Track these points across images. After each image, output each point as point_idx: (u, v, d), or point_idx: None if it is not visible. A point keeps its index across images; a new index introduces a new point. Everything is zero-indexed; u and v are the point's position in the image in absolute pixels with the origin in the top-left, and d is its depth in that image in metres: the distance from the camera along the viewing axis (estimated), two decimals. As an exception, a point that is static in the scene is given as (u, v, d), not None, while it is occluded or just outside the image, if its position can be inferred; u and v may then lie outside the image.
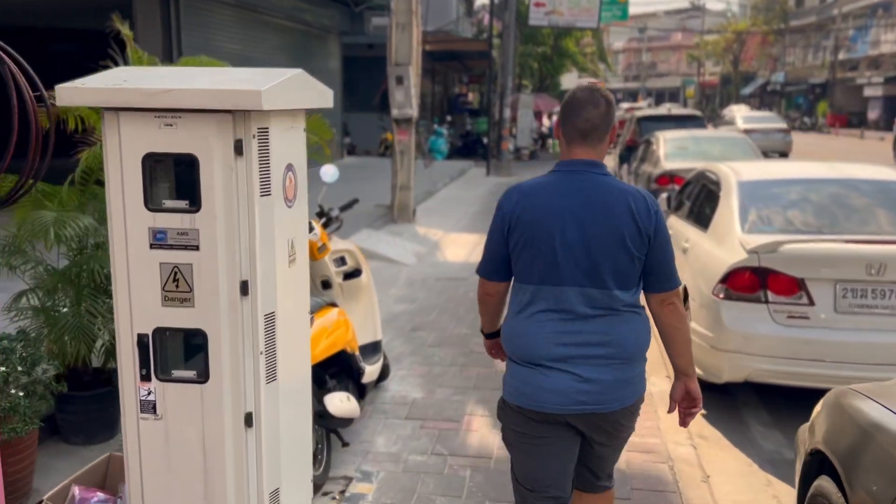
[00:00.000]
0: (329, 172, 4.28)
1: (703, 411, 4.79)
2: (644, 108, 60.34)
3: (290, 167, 2.52)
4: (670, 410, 2.55)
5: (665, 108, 19.66)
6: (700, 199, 6.19)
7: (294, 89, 2.47)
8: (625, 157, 13.37)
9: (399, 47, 9.80)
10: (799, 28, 53.16)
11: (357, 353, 3.87)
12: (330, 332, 3.58)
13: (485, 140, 20.28)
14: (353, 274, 4.39)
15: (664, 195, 7.27)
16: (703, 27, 62.90)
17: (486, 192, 15.20)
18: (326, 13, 15.81)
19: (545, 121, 28.21)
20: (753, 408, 4.93)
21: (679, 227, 6.27)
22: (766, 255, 4.54)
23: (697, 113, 15.82)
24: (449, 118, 26.72)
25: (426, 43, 23.66)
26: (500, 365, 2.93)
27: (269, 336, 2.42)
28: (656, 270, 2.36)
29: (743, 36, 56.90)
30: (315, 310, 3.58)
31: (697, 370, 4.91)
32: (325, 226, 4.33)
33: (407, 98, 9.81)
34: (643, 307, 2.41)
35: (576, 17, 19.47)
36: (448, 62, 32.30)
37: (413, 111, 9.95)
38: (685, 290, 5.38)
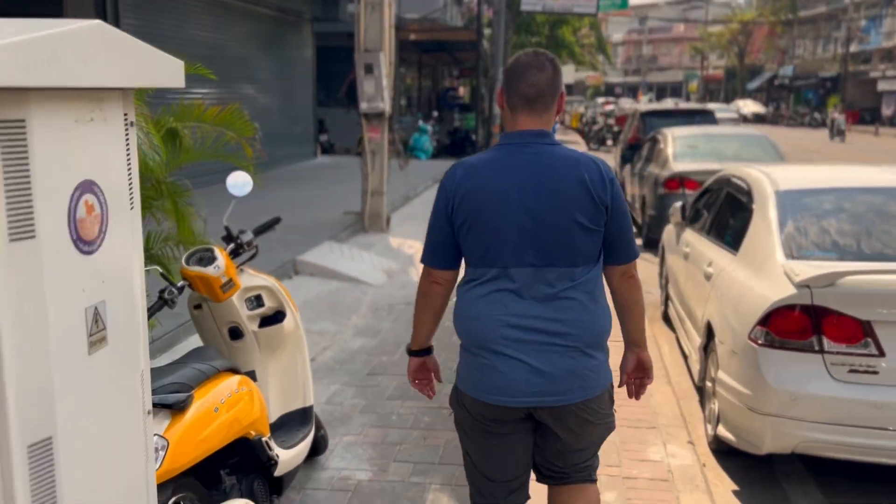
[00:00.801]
0: (238, 182, 3.32)
1: (734, 487, 3.85)
2: (643, 104, 59.98)
3: (88, 187, 1.56)
4: (620, 384, 2.54)
5: (671, 103, 18.76)
6: (724, 212, 5.25)
7: (90, 54, 1.50)
8: (627, 157, 12.44)
9: (368, 30, 8.85)
10: (808, 18, 52.50)
11: (267, 437, 2.89)
12: (220, 415, 2.61)
13: (474, 137, 19.38)
14: (274, 318, 3.42)
15: (678, 204, 6.34)
16: (706, 18, 62.20)
17: (473, 195, 14.20)
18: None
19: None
20: (799, 482, 3.99)
21: (698, 246, 5.32)
22: (820, 290, 3.59)
23: (707, 107, 14.90)
24: (436, 114, 25.78)
25: (411, 32, 22.91)
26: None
27: (41, 481, 1.45)
28: (614, 242, 2.32)
29: (749, 27, 56.22)
30: (198, 382, 2.62)
31: (728, 434, 4.02)
32: (233, 254, 3.37)
33: (378, 89, 8.86)
34: (604, 291, 2.35)
35: (573, 3, 18.58)
36: (436, 54, 31.53)
37: (385, 105, 9.00)
38: (708, 326, 4.45)
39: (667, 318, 6.77)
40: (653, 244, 9.93)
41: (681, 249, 5.85)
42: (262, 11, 14.59)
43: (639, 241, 10.43)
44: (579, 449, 2.44)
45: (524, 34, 28.91)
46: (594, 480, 2.52)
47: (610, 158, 24.33)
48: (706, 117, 13.66)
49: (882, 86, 42.27)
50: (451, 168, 2.35)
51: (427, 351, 2.52)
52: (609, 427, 2.45)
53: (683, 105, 15.61)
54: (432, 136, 20.92)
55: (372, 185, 9.44)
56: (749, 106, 50.57)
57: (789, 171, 5.17)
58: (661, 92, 78.07)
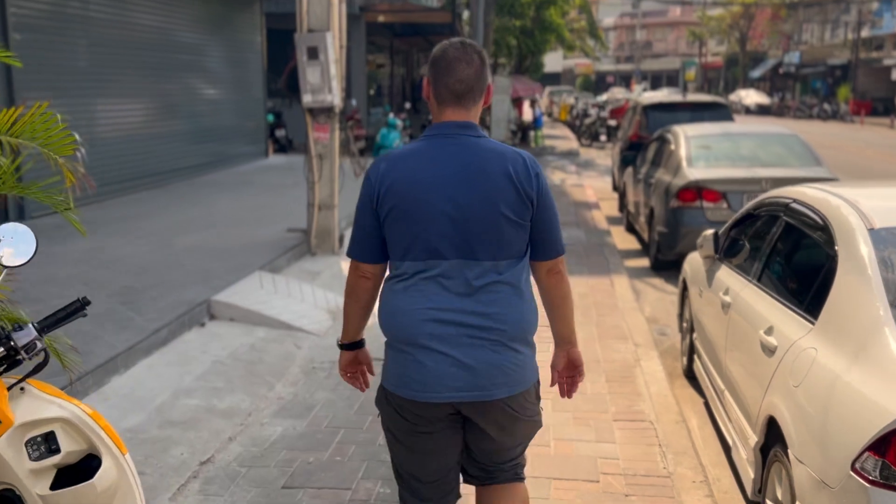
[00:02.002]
0: (14, 236, 2.08)
1: None
2: (637, 95, 59.02)
3: None
4: (552, 384, 2.67)
5: (666, 92, 17.70)
6: (784, 252, 4.06)
7: None
8: (629, 159, 11.26)
9: (312, 6, 7.61)
10: (815, 0, 51.75)
11: None
12: None
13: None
14: (82, 470, 2.16)
15: (709, 233, 5.16)
16: (705, 0, 61.37)
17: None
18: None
19: (526, 109, 26.17)
20: None
21: (748, 298, 4.11)
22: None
23: (721, 100, 13.79)
24: (409, 106, 24.54)
25: (380, 13, 21.72)
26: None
27: None
28: (541, 237, 2.45)
29: (751, 10, 55.41)
30: None
31: None
32: (6, 364, 2.11)
33: (324, 79, 7.62)
34: (530, 285, 2.46)
35: (562, -21, 17.35)
36: (409, 38, 30.47)
37: (334, 97, 7.77)
38: (771, 422, 3.26)
39: (691, 375, 5.59)
40: (663, 267, 8.81)
41: (716, 295, 4.66)
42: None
43: (645, 263, 9.31)
44: (508, 447, 2.56)
45: (507, 16, 27.73)
46: (523, 479, 2.66)
47: (605, 157, 23.53)
48: (720, 111, 12.58)
49: (897, 74, 41.56)
50: (376, 160, 2.44)
51: (358, 344, 2.64)
52: (537, 424, 2.57)
53: (692, 97, 14.49)
54: (404, 131, 19.69)
55: (320, 196, 8.22)
56: (752, 96, 49.81)
57: (876, 194, 3.96)
58: (655, 81, 77.33)
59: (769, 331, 3.58)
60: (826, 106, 42.85)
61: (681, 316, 6.07)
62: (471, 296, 2.33)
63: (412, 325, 2.34)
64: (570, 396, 2.69)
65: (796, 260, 3.96)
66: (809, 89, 51.57)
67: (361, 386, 2.70)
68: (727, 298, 4.41)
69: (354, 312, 2.55)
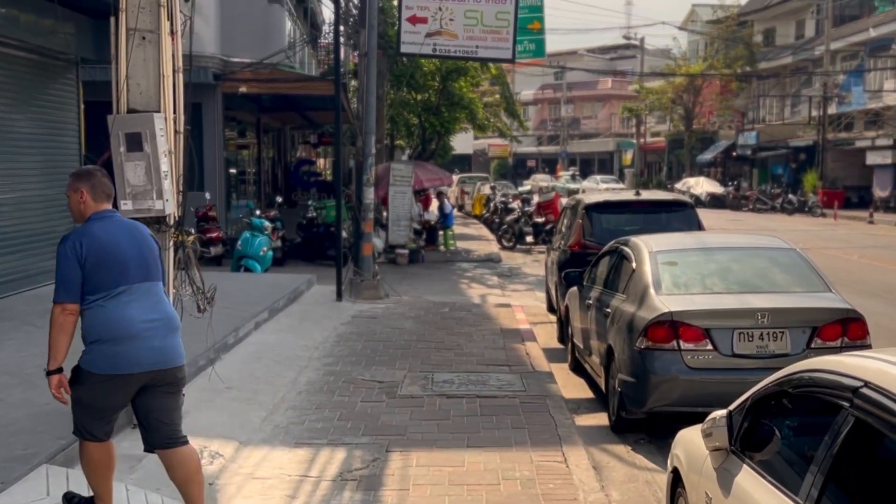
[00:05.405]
0: None
1: None
2: (564, 183, 59.94)
3: None
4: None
5: (630, 192, 17.51)
6: (855, 457, 3.26)
7: None
8: (573, 279, 10.59)
9: (134, 76, 6.75)
10: (771, 71, 54.23)
11: None
12: None
13: (344, 234, 17.20)
14: None
15: (719, 414, 4.38)
16: (641, 69, 63.68)
17: (334, 335, 12.17)
18: (48, 24, 12.76)
19: (433, 202, 25.73)
20: None
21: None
22: None
23: (684, 199, 13.52)
24: (280, 200, 23.73)
25: (242, 83, 21.11)
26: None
27: None
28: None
29: (697, 82, 57.58)
30: None
31: None
32: None
33: (151, 178, 6.69)
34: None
35: (476, 43, 17.09)
36: (281, 113, 29.94)
37: (165, 203, 6.83)
38: None
39: None
40: (628, 428, 8.11)
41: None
42: (13, 54, 12.57)
43: (603, 420, 8.56)
44: (176, 407, 5.35)
45: (406, 88, 27.54)
46: (188, 442, 5.37)
47: (533, 263, 23.07)
48: (683, 214, 12.27)
49: (872, 158, 43.25)
50: (71, 240, 5.10)
51: (62, 369, 5.06)
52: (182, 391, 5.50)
53: (647, 195, 14.22)
54: (273, 234, 18.78)
55: (146, 343, 7.14)
56: (703, 185, 51.19)
57: None
58: (586, 165, 79.49)
59: None
60: (791, 197, 44.21)
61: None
62: (156, 304, 5.33)
63: (129, 326, 5.16)
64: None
65: (876, 472, 3.15)
66: (769, 176, 53.34)
67: (65, 399, 5.09)
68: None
69: (65, 343, 5.06)
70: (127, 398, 5.17)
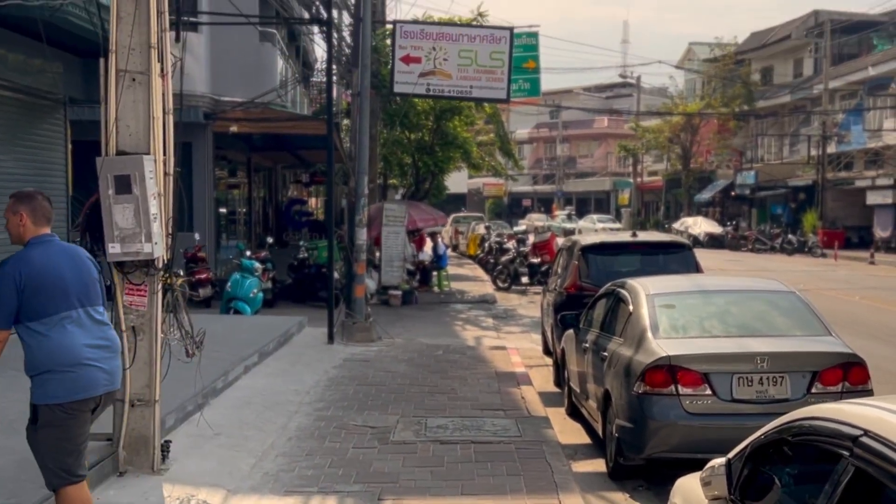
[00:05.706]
0: None
1: None
2: (560, 222, 60.14)
3: None
4: None
5: (626, 233, 17.61)
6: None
7: None
8: (569, 321, 10.64)
9: (124, 118, 6.81)
10: (770, 110, 54.66)
11: None
12: None
13: (336, 275, 17.26)
14: None
15: (719, 462, 4.38)
16: (637, 107, 64.16)
17: (326, 379, 12.15)
18: (36, 64, 12.87)
19: (427, 243, 25.79)
20: None
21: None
22: None
23: (682, 241, 13.62)
24: (271, 241, 23.77)
25: (233, 122, 21.23)
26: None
27: None
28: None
29: (694, 121, 57.97)
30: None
31: None
32: None
33: (140, 221, 6.73)
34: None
35: (471, 83, 17.26)
36: (273, 153, 30.06)
37: (155, 247, 6.86)
38: None
39: None
40: (626, 475, 8.11)
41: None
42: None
43: (601, 467, 8.57)
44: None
45: (399, 128, 27.69)
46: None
47: (528, 305, 23.11)
48: (681, 256, 12.35)
49: (872, 198, 43.56)
50: (10, 265, 5.25)
51: None
52: None
53: (644, 236, 14.31)
54: (264, 275, 18.79)
55: (132, 387, 7.22)
56: (701, 225, 51.38)
57: None
58: (582, 205, 79.75)
59: None
60: (791, 237, 44.38)
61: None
62: (99, 329, 5.58)
63: (76, 353, 5.40)
64: None
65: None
66: (769, 215, 53.57)
67: None
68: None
69: None
70: (88, 425, 5.51)
